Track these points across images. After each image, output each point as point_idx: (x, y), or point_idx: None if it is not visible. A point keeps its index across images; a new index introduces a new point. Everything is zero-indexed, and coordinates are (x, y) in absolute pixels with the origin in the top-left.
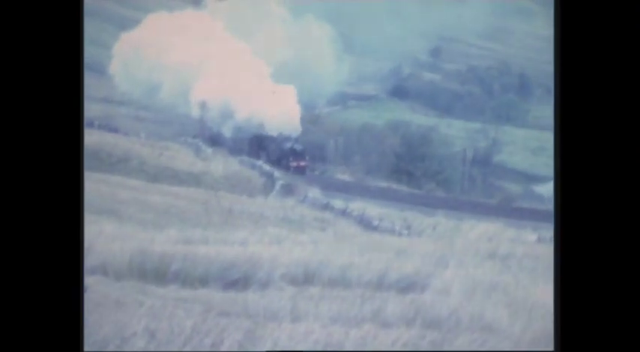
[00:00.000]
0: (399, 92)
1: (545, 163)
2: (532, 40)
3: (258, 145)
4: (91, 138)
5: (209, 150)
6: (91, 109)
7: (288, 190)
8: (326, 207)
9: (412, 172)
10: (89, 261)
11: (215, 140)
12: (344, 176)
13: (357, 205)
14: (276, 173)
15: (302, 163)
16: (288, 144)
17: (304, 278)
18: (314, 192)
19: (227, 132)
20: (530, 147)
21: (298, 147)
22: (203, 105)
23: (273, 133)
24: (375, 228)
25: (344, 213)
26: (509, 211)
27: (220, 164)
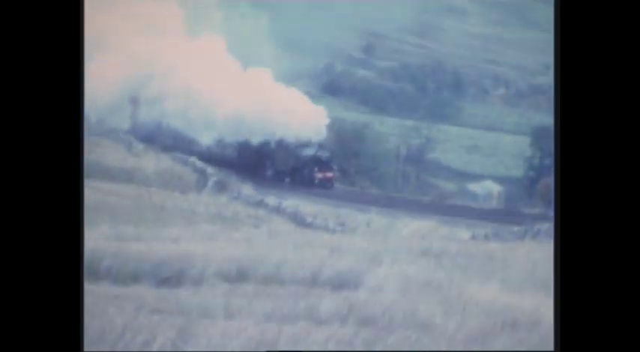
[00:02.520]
0: (332, 89)
1: (479, 161)
2: (466, 38)
3: (256, 153)
4: None
5: (140, 146)
6: None
7: (221, 187)
8: (260, 204)
9: (346, 169)
10: None
11: (150, 138)
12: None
13: (290, 202)
14: (209, 169)
15: (329, 174)
16: (309, 151)
17: (238, 276)
18: (247, 189)
19: (205, 138)
20: (464, 145)
21: (324, 154)
22: (134, 101)
23: (287, 138)
24: (308, 225)
25: (278, 210)
26: (443, 209)
27: (152, 160)
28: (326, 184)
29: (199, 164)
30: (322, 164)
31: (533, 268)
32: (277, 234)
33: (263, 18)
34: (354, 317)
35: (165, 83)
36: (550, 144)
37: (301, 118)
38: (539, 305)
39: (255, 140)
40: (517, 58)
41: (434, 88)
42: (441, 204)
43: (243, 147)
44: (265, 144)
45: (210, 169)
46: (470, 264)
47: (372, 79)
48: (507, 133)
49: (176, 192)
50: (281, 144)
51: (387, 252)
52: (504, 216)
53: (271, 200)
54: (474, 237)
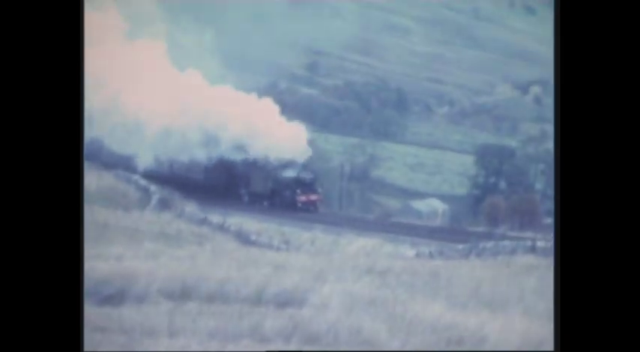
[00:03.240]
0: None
1: (423, 179)
2: (409, 57)
3: (227, 173)
4: None
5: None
6: None
7: (164, 205)
8: (203, 221)
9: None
10: None
11: (91, 155)
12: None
13: (234, 220)
14: (152, 187)
15: (313, 197)
16: (291, 173)
17: (181, 293)
18: (191, 207)
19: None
20: (409, 163)
21: (307, 176)
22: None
23: (263, 157)
24: (252, 243)
25: (221, 227)
26: (388, 226)
27: (94, 178)
28: (309, 208)
29: (142, 182)
30: (305, 186)
31: (477, 286)
32: (221, 251)
33: (207, 34)
34: (299, 335)
35: (107, 98)
36: (493, 163)
37: (278, 136)
38: (484, 323)
39: (227, 158)
40: (461, 77)
41: (378, 106)
42: (385, 221)
43: (212, 167)
44: (239, 164)
45: (153, 187)
46: (414, 281)
47: (316, 96)
48: (452, 151)
49: (119, 210)
50: (257, 164)
51: (331, 270)
52: (449, 234)
53: (215, 218)
54: (418, 255)
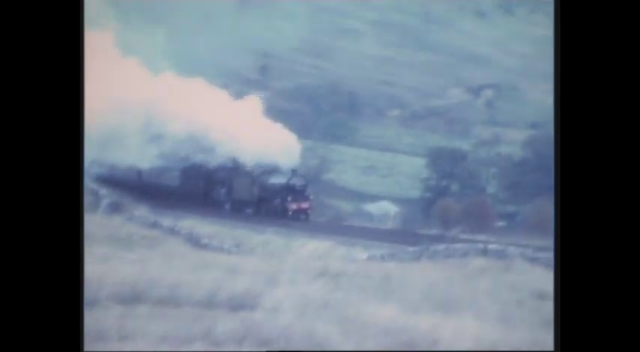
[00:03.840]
0: None
1: (375, 182)
2: (360, 60)
3: (206, 179)
4: None
5: None
6: None
7: (114, 208)
8: (154, 225)
9: None
10: None
11: None
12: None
13: (186, 223)
14: (102, 191)
15: (304, 205)
16: (281, 180)
17: (132, 297)
18: (141, 210)
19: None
20: (360, 165)
21: (298, 182)
22: None
23: (248, 163)
24: (204, 247)
25: (173, 231)
26: (340, 229)
27: None
28: (300, 216)
29: (92, 185)
30: (296, 193)
31: (429, 289)
32: (172, 255)
33: (157, 36)
34: (251, 339)
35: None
36: (445, 166)
37: (265, 140)
38: (436, 325)
39: (202, 162)
40: (412, 80)
41: (329, 109)
42: (337, 224)
43: (187, 172)
44: (218, 169)
45: (102, 191)
46: (367, 284)
47: (267, 99)
48: (403, 154)
49: None
50: (241, 169)
51: (284, 273)
52: (401, 236)
53: (166, 221)
54: (370, 258)
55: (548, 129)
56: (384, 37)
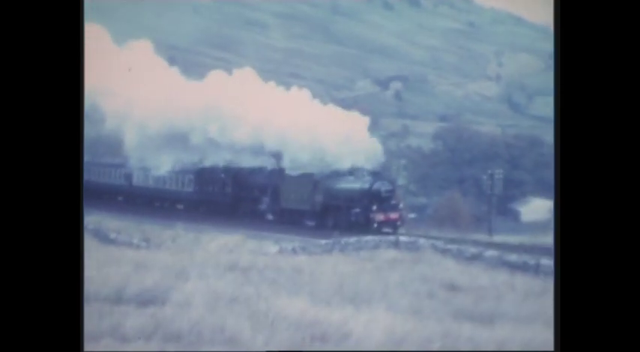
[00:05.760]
0: None
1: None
2: (268, 52)
3: (253, 186)
4: None
5: None
6: None
7: None
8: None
9: None
10: None
11: None
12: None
13: (92, 218)
14: None
15: (393, 215)
16: (361, 185)
17: None
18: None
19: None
20: None
21: (384, 188)
22: None
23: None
24: (112, 241)
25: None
26: (250, 223)
27: None
28: (386, 228)
29: None
30: (382, 201)
31: (341, 281)
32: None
33: None
34: (161, 334)
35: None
36: None
37: (337, 138)
38: (347, 318)
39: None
40: (320, 73)
41: None
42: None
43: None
44: (270, 173)
45: None
46: (278, 277)
47: None
48: None
49: None
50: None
51: (193, 267)
52: (311, 229)
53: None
54: (281, 251)
55: (457, 122)
56: (292, 29)
